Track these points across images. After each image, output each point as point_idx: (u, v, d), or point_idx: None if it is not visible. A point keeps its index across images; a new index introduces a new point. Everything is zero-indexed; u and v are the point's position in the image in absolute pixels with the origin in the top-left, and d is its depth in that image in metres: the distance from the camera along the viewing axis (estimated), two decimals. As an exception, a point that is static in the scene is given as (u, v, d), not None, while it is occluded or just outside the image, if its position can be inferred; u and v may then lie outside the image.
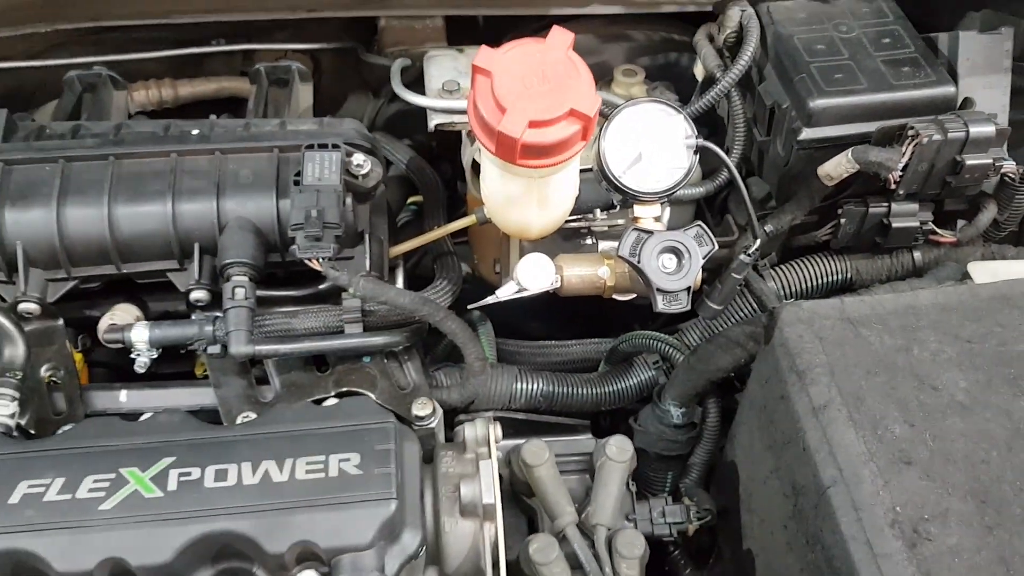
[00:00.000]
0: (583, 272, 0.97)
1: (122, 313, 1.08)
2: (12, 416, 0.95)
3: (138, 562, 0.84)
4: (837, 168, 1.05)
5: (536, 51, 0.82)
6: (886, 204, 1.11)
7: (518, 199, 0.90)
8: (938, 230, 1.13)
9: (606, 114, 0.97)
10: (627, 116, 0.93)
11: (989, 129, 1.03)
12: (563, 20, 1.41)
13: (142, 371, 1.04)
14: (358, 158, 1.04)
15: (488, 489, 0.92)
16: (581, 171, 1.01)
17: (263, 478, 0.88)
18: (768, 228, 1.11)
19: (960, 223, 1.14)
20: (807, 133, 1.09)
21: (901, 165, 1.03)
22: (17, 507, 0.86)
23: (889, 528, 0.82)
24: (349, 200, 1.04)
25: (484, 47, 0.82)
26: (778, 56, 1.15)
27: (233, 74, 1.51)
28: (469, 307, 1.05)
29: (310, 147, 1.03)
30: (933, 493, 0.84)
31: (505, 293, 0.95)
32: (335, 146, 1.04)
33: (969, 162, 1.04)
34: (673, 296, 0.89)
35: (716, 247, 0.91)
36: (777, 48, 1.16)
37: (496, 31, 1.43)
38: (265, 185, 1.04)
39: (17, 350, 1.00)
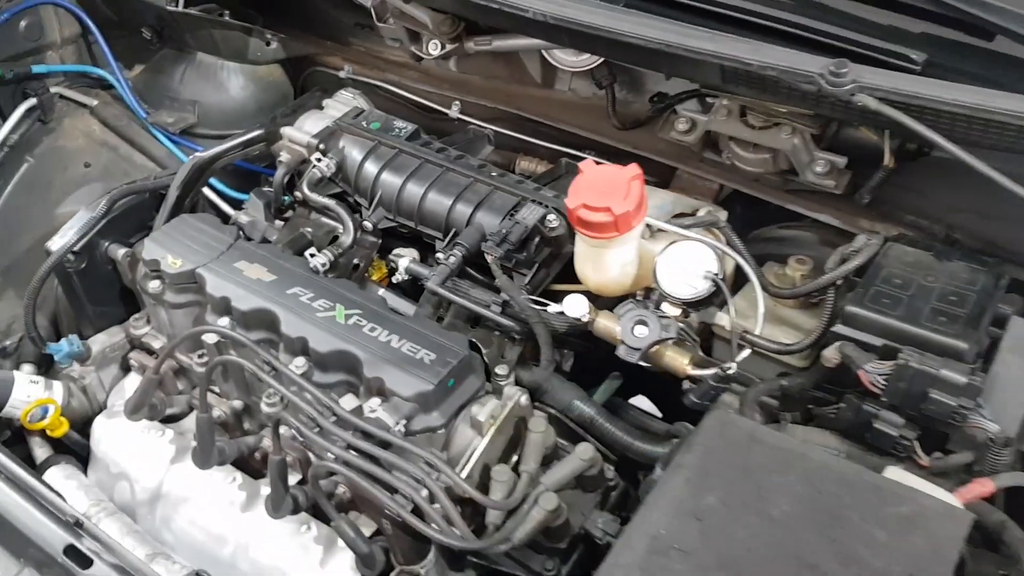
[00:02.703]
0: (607, 323, 1.44)
1: (407, 250, 1.82)
2: (323, 264, 1.73)
3: (313, 345, 1.54)
4: (830, 352, 1.36)
5: (613, 171, 1.36)
6: (877, 408, 1.37)
7: (580, 256, 1.42)
8: (917, 451, 1.34)
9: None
10: (679, 246, 1.40)
11: (959, 377, 1.27)
12: (798, 216, 1.84)
13: (396, 282, 1.77)
14: (552, 216, 1.65)
15: (485, 415, 1.45)
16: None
17: (387, 340, 1.53)
18: (783, 383, 1.44)
19: (937, 455, 1.34)
20: (839, 328, 1.41)
21: (876, 372, 1.31)
22: (288, 297, 1.62)
23: (647, 538, 1.16)
24: (537, 239, 1.65)
25: (591, 160, 1.38)
26: (867, 276, 1.48)
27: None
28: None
29: (530, 201, 1.67)
30: (694, 542, 1.15)
31: (551, 310, 1.47)
32: (545, 205, 1.67)
33: (933, 396, 1.28)
34: (629, 350, 1.33)
35: (673, 336, 1.32)
36: (870, 271, 1.48)
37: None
38: (502, 211, 1.70)
39: (348, 239, 1.80)
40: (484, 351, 1.61)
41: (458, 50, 2.08)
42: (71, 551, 1.23)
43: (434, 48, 2.07)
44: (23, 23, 2.25)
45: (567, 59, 2.08)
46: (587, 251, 1.43)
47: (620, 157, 2.11)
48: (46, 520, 1.29)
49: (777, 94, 1.48)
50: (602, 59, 2.02)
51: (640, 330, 1.36)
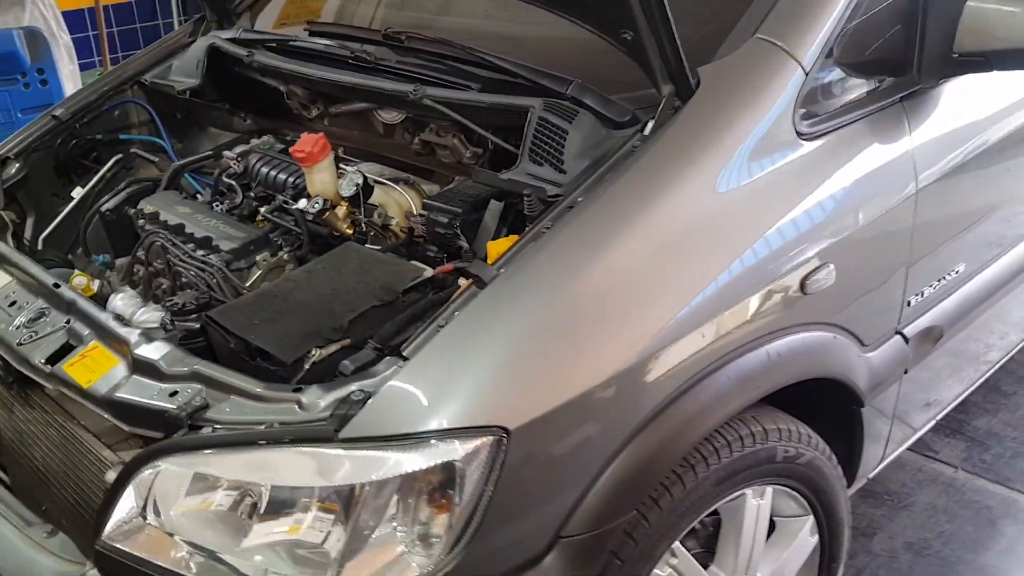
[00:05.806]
0: (316, 212, 2.97)
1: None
2: (221, 209, 3.35)
3: (196, 235, 3.14)
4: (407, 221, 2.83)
5: (313, 136, 2.93)
6: (428, 244, 2.81)
7: (306, 178, 2.98)
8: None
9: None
10: (349, 175, 2.93)
11: (443, 219, 2.71)
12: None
13: (256, 220, 3.36)
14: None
15: (261, 258, 2.99)
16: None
17: (227, 229, 3.11)
18: (398, 242, 2.90)
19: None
20: (420, 210, 2.87)
21: (418, 223, 2.77)
22: (194, 219, 3.25)
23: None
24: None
25: (306, 133, 2.96)
26: (447, 189, 2.95)
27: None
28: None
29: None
30: (303, 278, 2.61)
31: (295, 207, 3.01)
32: (322, 173, 3.25)
33: (436, 230, 2.73)
34: (306, 212, 2.86)
35: (328, 208, 2.83)
36: (449, 187, 2.95)
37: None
38: (306, 180, 3.29)
39: (237, 199, 3.43)
40: (282, 243, 3.16)
41: (324, 112, 3.73)
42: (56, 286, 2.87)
43: (314, 112, 3.74)
44: (116, 112, 4.12)
45: (386, 116, 3.67)
46: (307, 175, 3.00)
47: (413, 169, 3.66)
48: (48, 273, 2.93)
49: (404, 105, 3.02)
50: (405, 115, 3.61)
51: (313, 205, 2.90)
